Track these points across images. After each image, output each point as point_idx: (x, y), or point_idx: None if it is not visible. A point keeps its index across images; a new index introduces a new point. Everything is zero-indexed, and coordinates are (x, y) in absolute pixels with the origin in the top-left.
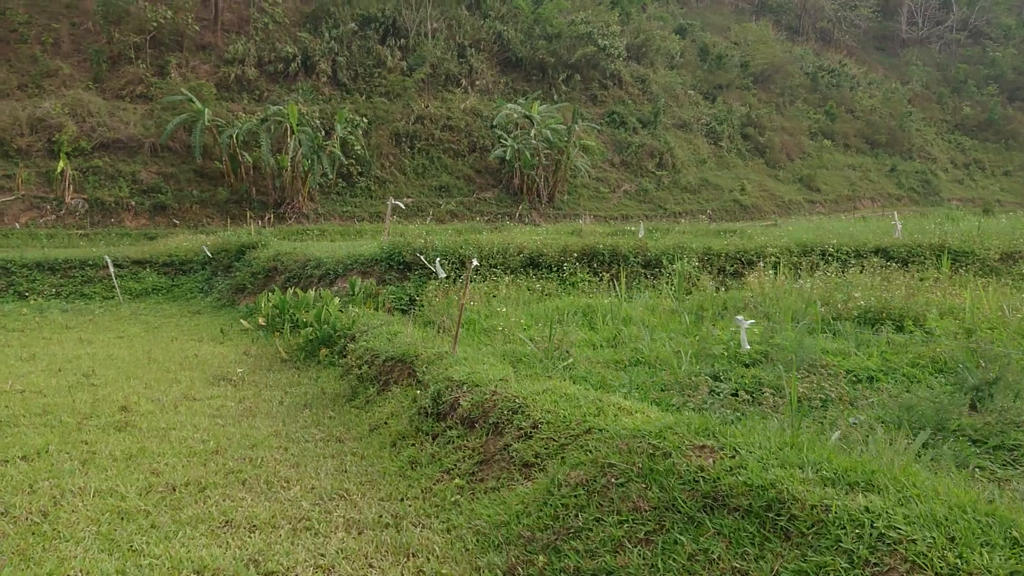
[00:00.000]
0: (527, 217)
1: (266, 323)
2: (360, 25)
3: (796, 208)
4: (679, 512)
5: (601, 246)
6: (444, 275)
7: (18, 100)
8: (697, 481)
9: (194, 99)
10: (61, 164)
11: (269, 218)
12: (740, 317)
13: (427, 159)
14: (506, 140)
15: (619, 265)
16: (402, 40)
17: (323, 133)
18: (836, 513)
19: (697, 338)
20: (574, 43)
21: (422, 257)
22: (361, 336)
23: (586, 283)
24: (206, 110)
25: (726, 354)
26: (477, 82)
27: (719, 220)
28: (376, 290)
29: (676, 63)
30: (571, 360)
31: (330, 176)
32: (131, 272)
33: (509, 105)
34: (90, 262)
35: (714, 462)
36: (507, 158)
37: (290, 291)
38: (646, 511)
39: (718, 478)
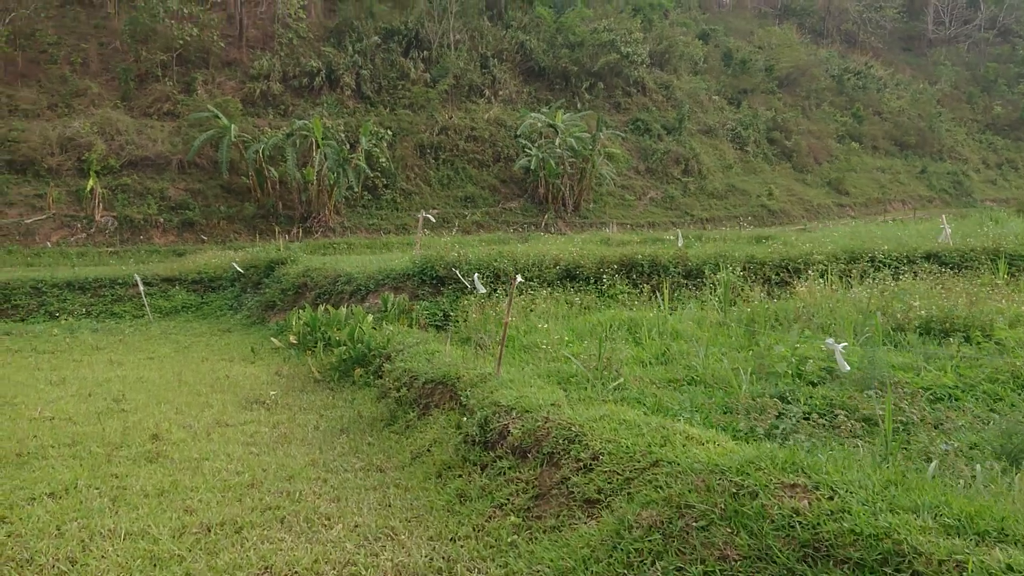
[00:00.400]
0: (553, 226)
1: (297, 341)
2: (383, 38)
3: (825, 212)
4: (775, 563)
5: (640, 256)
6: (484, 291)
7: (48, 120)
8: (792, 527)
9: (220, 115)
10: (91, 182)
11: (296, 232)
12: (831, 340)
13: (452, 170)
14: (530, 149)
15: (659, 276)
16: (425, 52)
17: (348, 146)
18: (972, 572)
19: (752, 353)
20: (597, 51)
21: (457, 271)
22: (397, 355)
23: (625, 295)
24: (232, 126)
25: (789, 372)
26: (500, 92)
27: (747, 226)
28: (409, 306)
29: (700, 69)
30: (621, 380)
31: (356, 189)
32: (160, 290)
33: (533, 114)
34: (120, 280)
35: (810, 504)
36: (532, 167)
37: (321, 308)
38: (735, 560)
39: (817, 524)
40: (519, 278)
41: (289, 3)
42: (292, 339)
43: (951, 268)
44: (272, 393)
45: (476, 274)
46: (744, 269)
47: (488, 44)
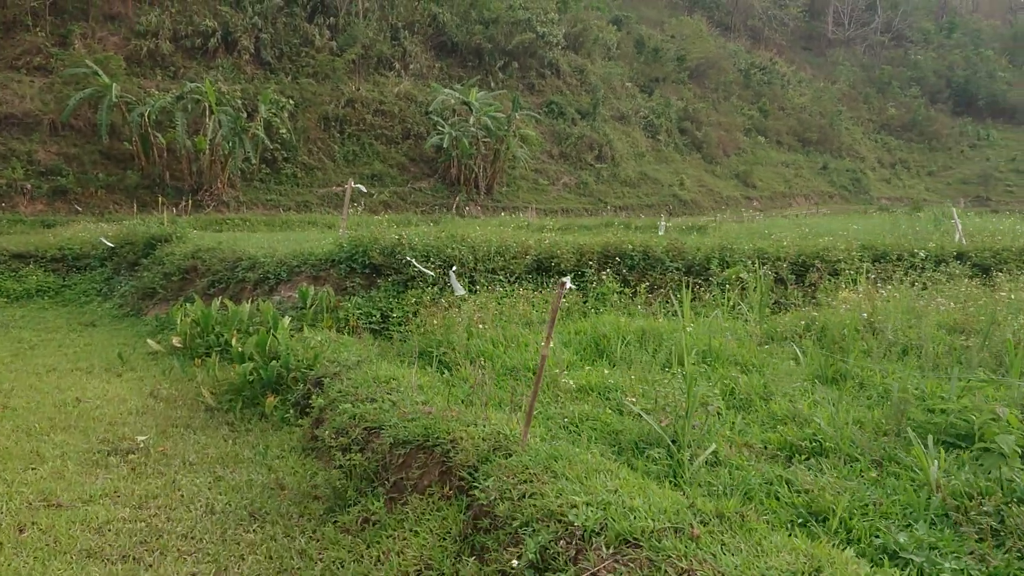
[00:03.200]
0: (465, 209)
1: (183, 345)
2: (286, 1)
3: (733, 204)
4: None
5: (630, 246)
6: (463, 292)
7: None
8: None
9: (100, 73)
10: None
11: (185, 205)
12: None
13: (358, 145)
14: (443, 127)
15: (654, 271)
16: (331, 19)
17: (245, 115)
18: None
19: (870, 398)
20: (512, 29)
21: (414, 261)
22: (332, 382)
23: (616, 295)
24: (114, 85)
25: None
26: (411, 66)
27: (657, 214)
28: (335, 302)
29: (613, 54)
30: (714, 448)
31: (253, 161)
32: (10, 268)
33: (446, 91)
34: None
35: None
36: (444, 146)
37: (216, 302)
38: None
39: None
40: (568, 283)
41: None
42: (176, 342)
43: (979, 270)
44: (140, 439)
45: (453, 269)
46: (754, 265)
47: (399, 15)
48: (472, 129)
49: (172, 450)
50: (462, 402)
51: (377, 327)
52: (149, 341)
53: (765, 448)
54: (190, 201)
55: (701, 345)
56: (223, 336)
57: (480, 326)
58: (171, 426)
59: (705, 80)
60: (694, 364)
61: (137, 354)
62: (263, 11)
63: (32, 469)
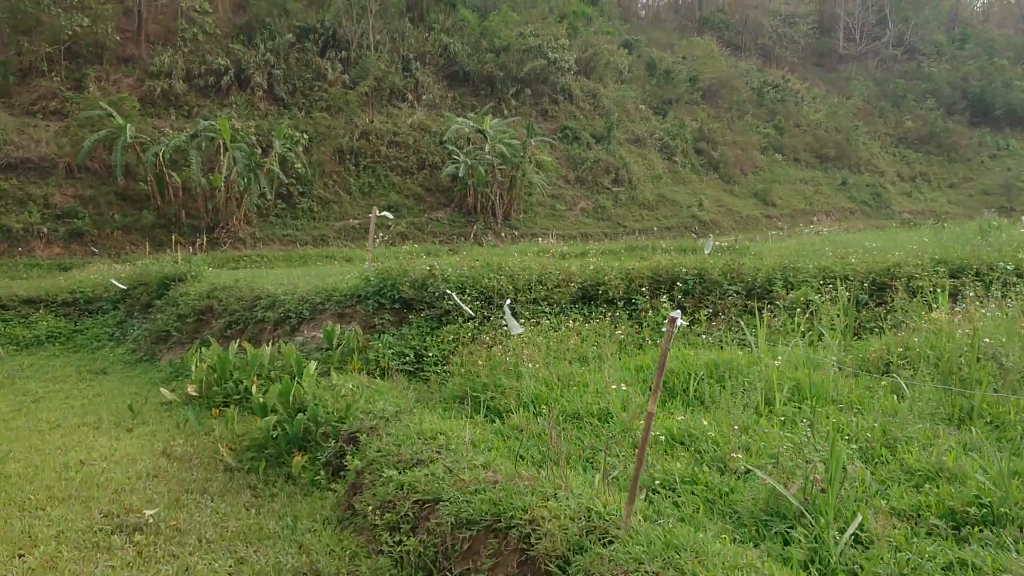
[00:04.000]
0: (483, 237)
1: (199, 393)
2: (298, 37)
3: (754, 223)
4: None
5: (684, 269)
6: (520, 330)
7: None
8: None
9: (115, 114)
10: None
11: (201, 243)
12: None
13: (373, 177)
14: (458, 156)
15: (711, 296)
16: (343, 52)
17: (260, 151)
18: None
19: None
20: (523, 56)
21: (454, 295)
22: (369, 438)
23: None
24: (128, 126)
25: None
26: (424, 96)
27: (680, 237)
28: (364, 341)
29: (625, 78)
30: (859, 520)
31: (269, 196)
32: (20, 314)
33: (460, 120)
34: None
35: None
36: (460, 175)
37: (234, 345)
38: None
39: None
40: (679, 318)
41: None
42: (191, 390)
43: None
44: (150, 512)
45: (508, 303)
46: (825, 284)
47: (410, 46)
48: (488, 157)
49: (186, 524)
50: (529, 461)
51: (411, 368)
52: (162, 390)
53: (918, 516)
54: (206, 239)
55: (787, 380)
56: (242, 383)
57: (530, 365)
58: (185, 492)
59: (718, 100)
60: (786, 404)
61: (149, 404)
62: (275, 48)
63: (20, 556)
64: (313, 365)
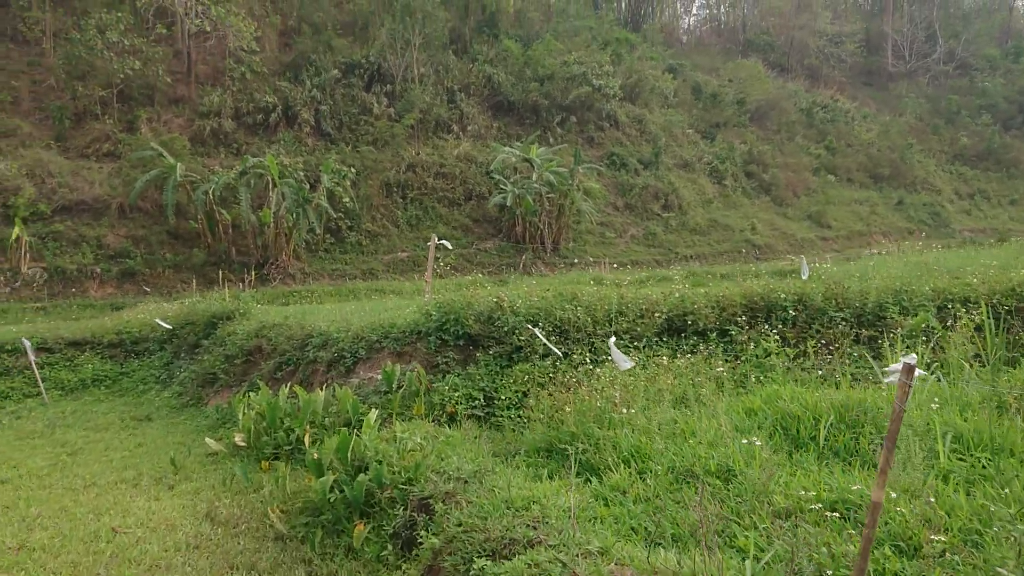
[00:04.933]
0: (532, 267)
1: (246, 443)
2: (343, 72)
3: (809, 246)
4: None
5: (782, 295)
6: (630, 364)
7: None
8: None
9: (165, 154)
10: (16, 230)
11: (250, 280)
12: None
13: (421, 209)
14: (505, 186)
15: (816, 324)
16: (388, 86)
17: (308, 186)
18: None
19: None
20: (567, 84)
21: (539, 333)
22: (447, 507)
23: (775, 357)
24: (179, 165)
25: None
26: (469, 127)
27: (733, 262)
28: (427, 383)
29: (671, 102)
30: None
31: (317, 231)
32: (65, 357)
33: (506, 149)
34: (7, 347)
35: None
36: (507, 204)
37: (284, 389)
38: None
39: None
40: (916, 368)
41: (241, 36)
42: (238, 440)
43: None
44: None
45: (612, 339)
46: (940, 309)
47: (454, 78)
48: (535, 186)
49: None
50: (642, 534)
51: (481, 412)
52: (208, 440)
53: None
54: (255, 275)
55: (940, 425)
56: (294, 432)
57: (624, 410)
58: (230, 568)
59: (767, 122)
60: (953, 460)
61: (194, 457)
62: (321, 84)
63: None
64: (374, 414)
